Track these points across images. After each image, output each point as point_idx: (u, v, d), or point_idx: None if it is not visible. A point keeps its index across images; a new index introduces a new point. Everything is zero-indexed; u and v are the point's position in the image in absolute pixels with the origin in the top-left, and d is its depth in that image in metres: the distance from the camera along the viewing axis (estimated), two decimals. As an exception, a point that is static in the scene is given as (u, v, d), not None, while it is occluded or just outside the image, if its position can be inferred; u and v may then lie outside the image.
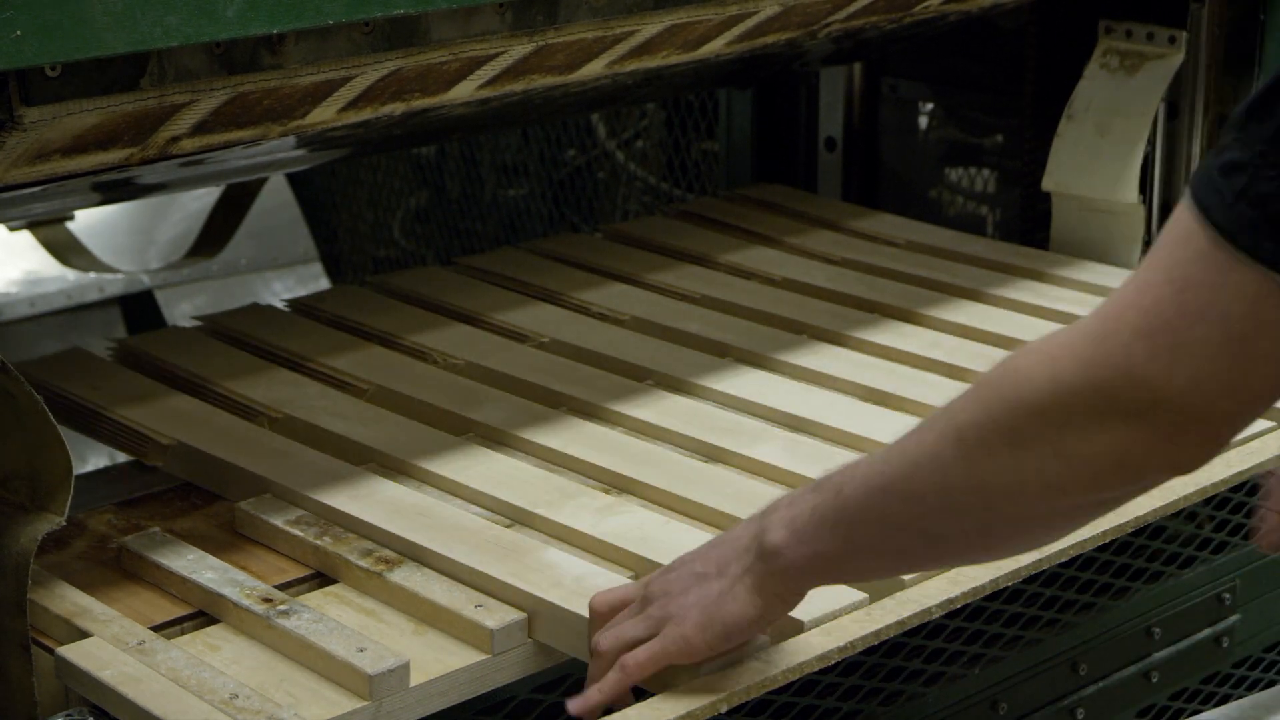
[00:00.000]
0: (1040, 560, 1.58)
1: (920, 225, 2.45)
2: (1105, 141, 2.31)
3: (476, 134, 3.12)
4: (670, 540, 1.59)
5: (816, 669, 1.43)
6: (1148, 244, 2.26)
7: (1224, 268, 1.05)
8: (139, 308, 3.34)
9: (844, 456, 1.78)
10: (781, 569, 1.31)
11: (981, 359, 2.00)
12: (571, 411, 1.91)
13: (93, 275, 3.30)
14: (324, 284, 3.50)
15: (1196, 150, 2.30)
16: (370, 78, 1.61)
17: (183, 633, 1.51)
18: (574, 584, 1.52)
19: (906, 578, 1.51)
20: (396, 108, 1.72)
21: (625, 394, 1.94)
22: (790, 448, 1.80)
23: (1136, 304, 1.08)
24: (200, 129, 1.58)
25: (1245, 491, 1.85)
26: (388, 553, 1.60)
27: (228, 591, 1.52)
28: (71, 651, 1.44)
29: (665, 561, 1.55)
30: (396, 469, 1.78)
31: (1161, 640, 1.81)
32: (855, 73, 2.62)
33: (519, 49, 1.67)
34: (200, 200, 3.36)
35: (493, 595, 1.52)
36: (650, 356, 2.04)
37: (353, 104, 1.67)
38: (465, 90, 1.74)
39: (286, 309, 2.24)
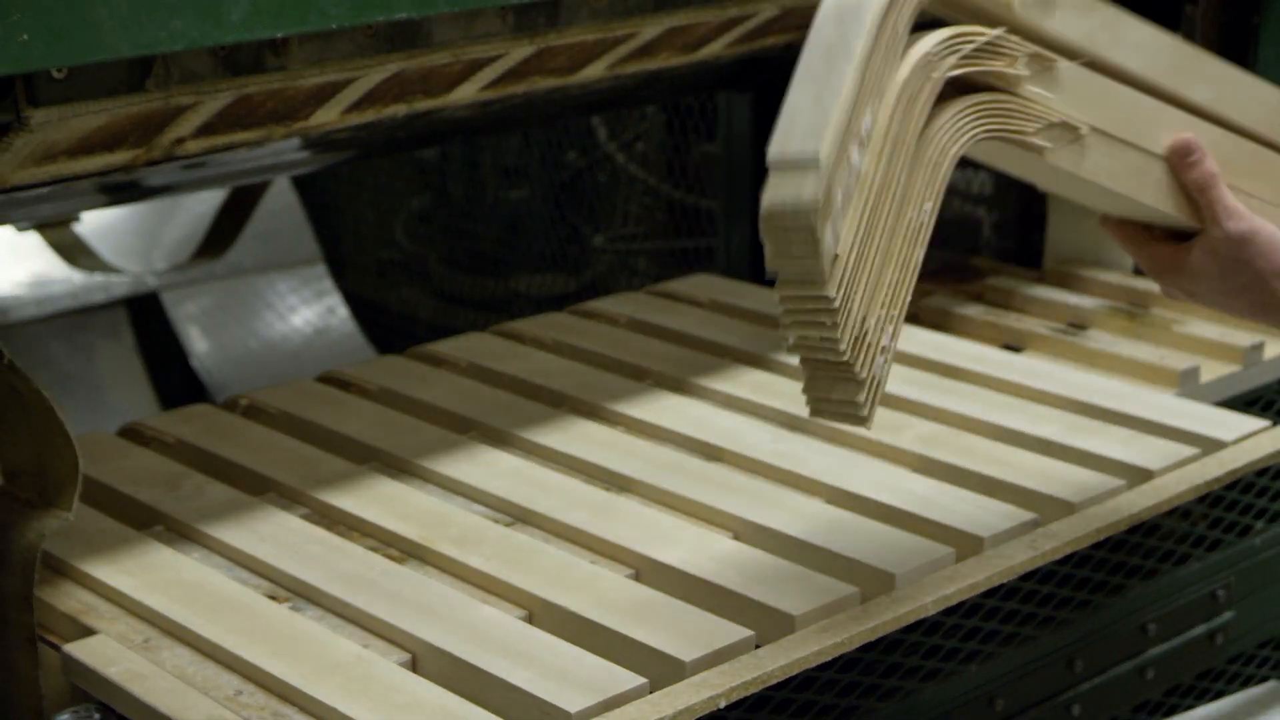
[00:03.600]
0: (1035, 557, 1.60)
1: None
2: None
3: (478, 137, 3.14)
4: (671, 540, 1.61)
5: (814, 665, 1.44)
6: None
7: None
8: (145, 309, 3.36)
9: (843, 456, 1.80)
10: None
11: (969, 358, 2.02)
12: (572, 411, 1.93)
13: (99, 277, 3.32)
14: (328, 285, 3.51)
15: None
16: (373, 80, 1.62)
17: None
18: (573, 584, 1.54)
19: (897, 574, 1.53)
20: (399, 110, 1.73)
21: (625, 394, 1.95)
22: (787, 449, 1.82)
23: None
24: (205, 131, 1.60)
25: (1239, 489, 1.86)
26: (393, 551, 1.63)
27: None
28: (78, 649, 1.46)
29: (665, 561, 1.57)
30: (399, 467, 1.80)
31: (1156, 637, 1.82)
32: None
33: (520, 51, 1.69)
34: (205, 203, 3.38)
35: (493, 594, 1.54)
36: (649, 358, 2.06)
37: (355, 106, 1.68)
38: (467, 92, 1.76)
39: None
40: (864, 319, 1.26)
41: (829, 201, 1.21)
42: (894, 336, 1.30)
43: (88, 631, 1.50)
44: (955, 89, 1.31)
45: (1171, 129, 1.44)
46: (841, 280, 1.23)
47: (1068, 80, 1.35)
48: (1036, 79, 1.33)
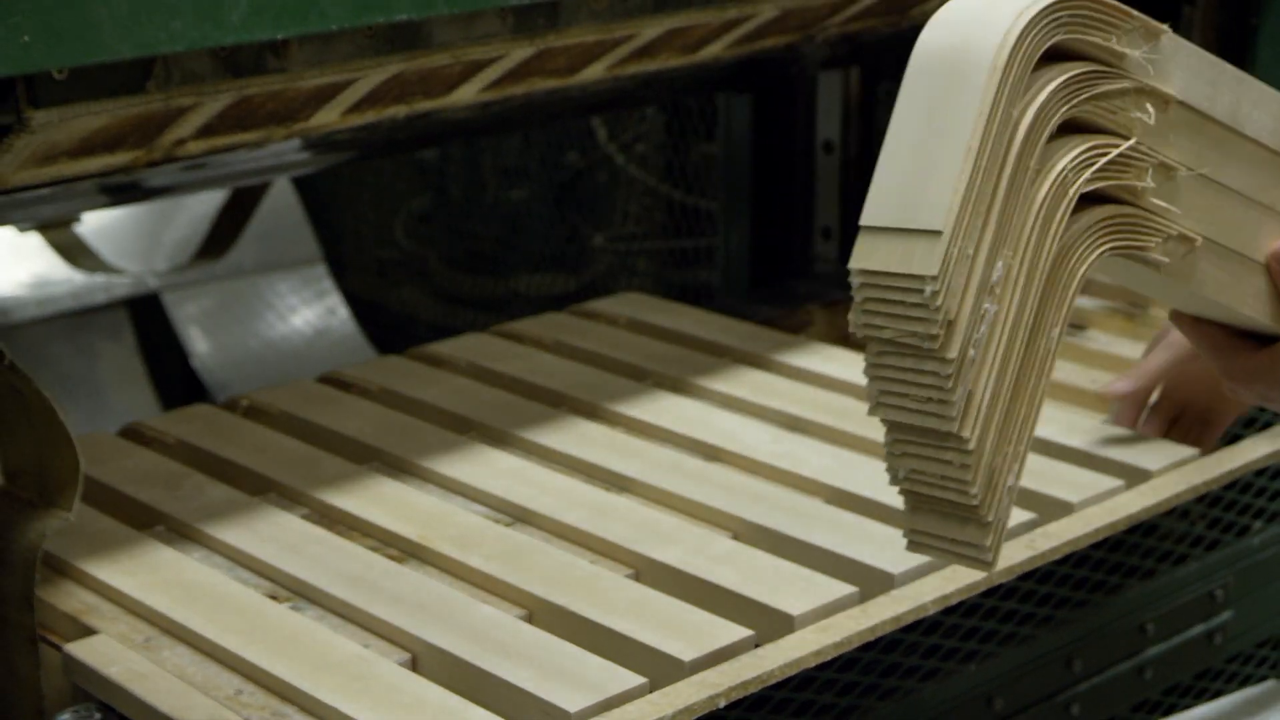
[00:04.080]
0: (1034, 557, 1.60)
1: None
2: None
3: (478, 138, 3.14)
4: (670, 540, 1.61)
5: (813, 664, 1.44)
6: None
7: None
8: (145, 310, 3.36)
9: (843, 456, 1.80)
10: None
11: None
12: (571, 411, 1.93)
13: (100, 277, 3.32)
14: (328, 285, 3.52)
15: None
16: (373, 81, 1.63)
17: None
18: (572, 583, 1.54)
19: (896, 573, 1.53)
20: (399, 111, 1.74)
21: (625, 394, 1.96)
22: (786, 449, 1.82)
23: None
24: (205, 132, 1.60)
25: (1238, 489, 1.86)
26: (393, 551, 1.63)
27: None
28: (79, 648, 1.46)
29: (665, 560, 1.57)
30: (399, 467, 1.81)
31: (1155, 636, 1.82)
32: (852, 77, 2.64)
33: (520, 52, 1.69)
34: (206, 204, 3.38)
35: (493, 593, 1.55)
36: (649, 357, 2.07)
37: (356, 107, 1.68)
38: (467, 93, 1.76)
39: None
40: (993, 459, 1.16)
41: (962, 358, 1.12)
42: (1018, 475, 1.20)
43: (88, 631, 1.50)
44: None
45: (1274, 236, 1.38)
46: (975, 418, 1.14)
47: (1184, 190, 1.26)
48: (1159, 190, 1.23)
